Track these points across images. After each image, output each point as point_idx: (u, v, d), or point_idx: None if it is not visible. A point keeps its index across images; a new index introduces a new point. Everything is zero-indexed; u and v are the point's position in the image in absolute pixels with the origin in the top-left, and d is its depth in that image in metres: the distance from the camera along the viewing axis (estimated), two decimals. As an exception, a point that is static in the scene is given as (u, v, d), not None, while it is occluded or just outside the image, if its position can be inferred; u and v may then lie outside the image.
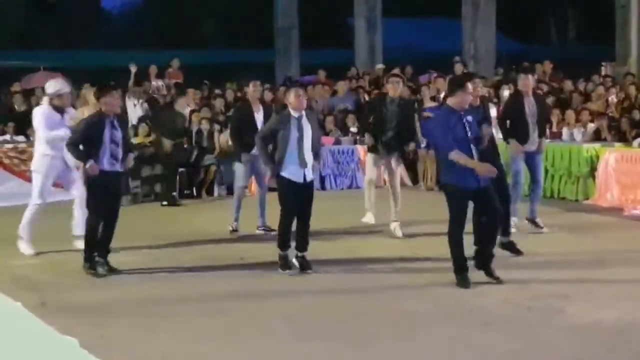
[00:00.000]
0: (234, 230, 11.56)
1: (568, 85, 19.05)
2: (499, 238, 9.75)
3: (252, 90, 11.76)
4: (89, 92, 14.87)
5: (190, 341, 7.09)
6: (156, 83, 19.74)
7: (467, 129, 8.67)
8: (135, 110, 17.57)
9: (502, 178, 10.00)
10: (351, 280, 9.09)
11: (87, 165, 9.32)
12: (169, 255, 10.49)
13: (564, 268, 9.47)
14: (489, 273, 8.84)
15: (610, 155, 14.00)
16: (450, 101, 8.79)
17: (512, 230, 10.64)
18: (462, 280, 8.64)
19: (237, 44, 38.43)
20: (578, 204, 14.12)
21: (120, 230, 9.72)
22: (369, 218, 11.94)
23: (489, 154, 9.58)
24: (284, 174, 9.34)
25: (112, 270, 9.44)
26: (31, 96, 19.00)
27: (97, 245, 9.45)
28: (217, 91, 19.67)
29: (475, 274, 8.92)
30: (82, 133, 9.50)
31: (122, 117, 9.83)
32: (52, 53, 32.94)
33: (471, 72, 13.35)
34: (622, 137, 15.29)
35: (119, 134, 9.46)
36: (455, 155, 8.61)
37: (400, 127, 11.34)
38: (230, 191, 14.35)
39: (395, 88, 11.41)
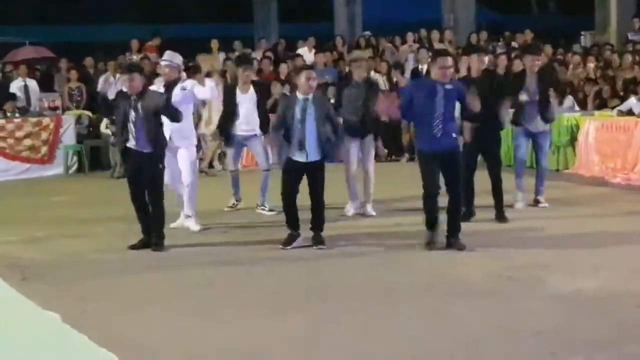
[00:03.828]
0: (233, 206, 11.76)
1: (549, 52, 19.02)
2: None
3: (241, 74, 11.69)
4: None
5: (173, 316, 7.07)
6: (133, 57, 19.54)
7: (440, 97, 8.81)
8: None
9: (496, 154, 10.67)
10: (332, 256, 9.08)
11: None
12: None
13: (544, 238, 9.51)
14: (450, 243, 9.01)
15: (591, 125, 14.02)
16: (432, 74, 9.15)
17: (520, 205, 10.96)
18: (429, 239, 9.03)
19: (216, 17, 38.18)
20: (558, 173, 14.14)
21: (104, 203, 9.66)
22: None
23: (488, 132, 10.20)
24: (289, 153, 9.35)
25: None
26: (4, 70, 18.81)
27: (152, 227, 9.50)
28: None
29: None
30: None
31: (149, 96, 9.39)
32: (30, 28, 32.59)
33: (443, 48, 13.31)
34: (603, 105, 15.30)
35: (135, 115, 9.28)
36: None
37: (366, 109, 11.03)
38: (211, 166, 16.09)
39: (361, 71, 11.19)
